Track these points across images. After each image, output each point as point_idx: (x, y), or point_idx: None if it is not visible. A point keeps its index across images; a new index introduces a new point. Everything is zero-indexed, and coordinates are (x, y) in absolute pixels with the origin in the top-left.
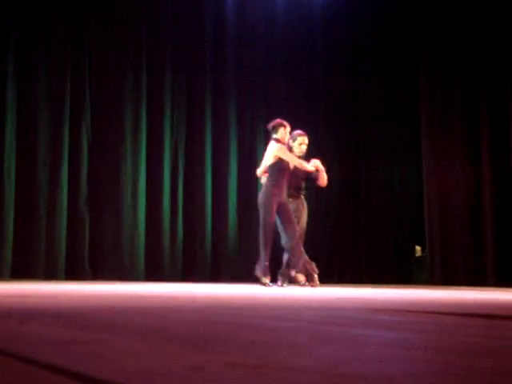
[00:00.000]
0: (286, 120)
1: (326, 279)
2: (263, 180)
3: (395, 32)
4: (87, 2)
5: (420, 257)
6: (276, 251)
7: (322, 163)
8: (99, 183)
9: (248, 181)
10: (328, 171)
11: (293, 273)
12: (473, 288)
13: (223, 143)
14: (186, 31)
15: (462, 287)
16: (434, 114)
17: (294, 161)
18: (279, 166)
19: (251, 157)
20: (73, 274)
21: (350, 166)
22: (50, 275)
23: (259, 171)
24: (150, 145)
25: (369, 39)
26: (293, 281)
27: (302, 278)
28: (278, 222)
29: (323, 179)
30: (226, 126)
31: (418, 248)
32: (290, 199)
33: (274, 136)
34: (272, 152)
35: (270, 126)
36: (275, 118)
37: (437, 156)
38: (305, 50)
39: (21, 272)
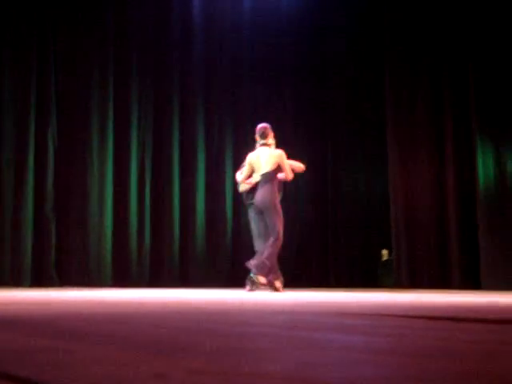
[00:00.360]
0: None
1: (293, 283)
2: (243, 187)
3: (360, 38)
4: (53, 7)
5: (386, 260)
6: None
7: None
8: (66, 189)
9: (215, 187)
10: (295, 174)
11: (254, 271)
12: (438, 291)
13: (191, 150)
14: (152, 39)
15: (427, 290)
16: (399, 119)
17: (290, 169)
18: (279, 171)
19: (218, 163)
20: (39, 281)
21: (317, 171)
22: (15, 282)
23: (242, 178)
24: (116, 149)
25: (335, 45)
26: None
27: (262, 279)
28: (262, 226)
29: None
30: (194, 133)
31: (384, 252)
32: None
33: (263, 141)
34: (278, 158)
35: (260, 131)
36: (242, 126)
37: (402, 160)
38: (272, 57)
39: None
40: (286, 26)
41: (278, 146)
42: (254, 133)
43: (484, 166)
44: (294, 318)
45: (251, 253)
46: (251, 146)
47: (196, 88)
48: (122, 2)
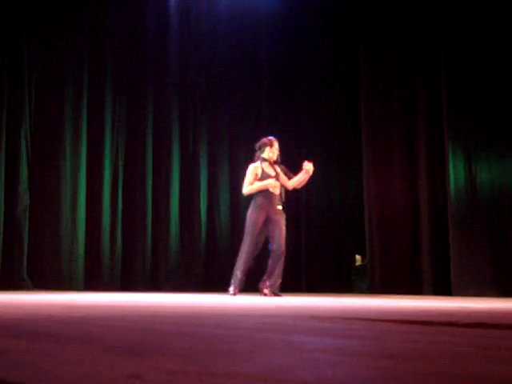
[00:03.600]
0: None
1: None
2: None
3: (334, 38)
4: (27, 10)
5: (360, 266)
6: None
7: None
8: (38, 191)
9: (189, 191)
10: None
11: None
12: (411, 296)
13: (165, 154)
14: (128, 40)
15: (400, 296)
16: (373, 123)
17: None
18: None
19: (193, 166)
20: (9, 283)
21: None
22: None
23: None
24: (90, 153)
25: (308, 45)
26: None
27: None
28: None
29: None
30: (168, 136)
31: (358, 257)
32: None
33: (262, 156)
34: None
35: (257, 145)
36: (217, 130)
37: (376, 166)
38: (247, 64)
39: None
40: (262, 25)
41: (252, 150)
42: (229, 133)
43: (455, 172)
44: (269, 321)
45: (225, 258)
46: (226, 148)
47: (170, 88)
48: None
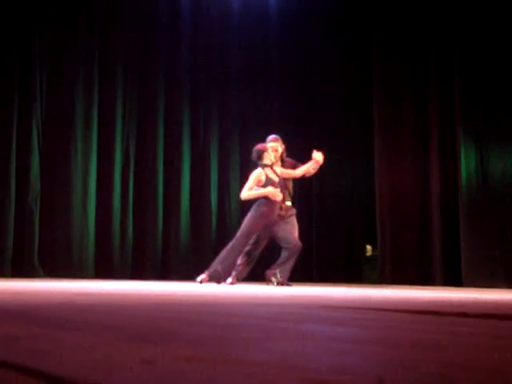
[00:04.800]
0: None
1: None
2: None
3: (348, 32)
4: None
5: (370, 256)
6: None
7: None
8: (49, 180)
9: (200, 179)
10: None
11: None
12: (421, 287)
13: (176, 143)
14: (140, 32)
15: (410, 286)
16: (386, 114)
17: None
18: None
19: (204, 156)
20: (21, 271)
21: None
22: None
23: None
24: (101, 142)
25: (323, 41)
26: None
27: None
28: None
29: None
30: (179, 125)
31: (368, 247)
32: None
33: (262, 163)
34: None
35: (254, 156)
36: (229, 122)
37: (388, 156)
38: (260, 56)
39: None
40: (273, 24)
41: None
42: (241, 120)
43: (467, 163)
44: (280, 311)
45: None
46: (236, 138)
47: (182, 80)
48: None
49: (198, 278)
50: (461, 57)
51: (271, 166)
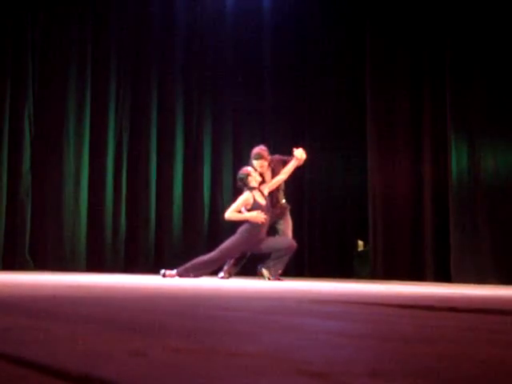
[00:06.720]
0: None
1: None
2: None
3: (340, 28)
4: None
5: (362, 251)
6: None
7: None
8: (41, 172)
9: (193, 173)
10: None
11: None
12: (413, 282)
13: (169, 136)
14: (133, 23)
15: (402, 281)
16: (379, 109)
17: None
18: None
19: (197, 149)
20: (12, 263)
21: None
22: None
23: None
24: (93, 135)
25: (317, 40)
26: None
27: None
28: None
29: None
30: (172, 119)
31: (360, 242)
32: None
33: (251, 186)
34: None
35: (240, 184)
36: (222, 116)
37: (380, 152)
38: (253, 56)
39: None
40: (266, 21)
41: (258, 142)
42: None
43: (457, 160)
44: (271, 304)
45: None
46: (229, 133)
47: (176, 75)
48: None
49: (165, 272)
50: (453, 51)
51: (259, 188)
